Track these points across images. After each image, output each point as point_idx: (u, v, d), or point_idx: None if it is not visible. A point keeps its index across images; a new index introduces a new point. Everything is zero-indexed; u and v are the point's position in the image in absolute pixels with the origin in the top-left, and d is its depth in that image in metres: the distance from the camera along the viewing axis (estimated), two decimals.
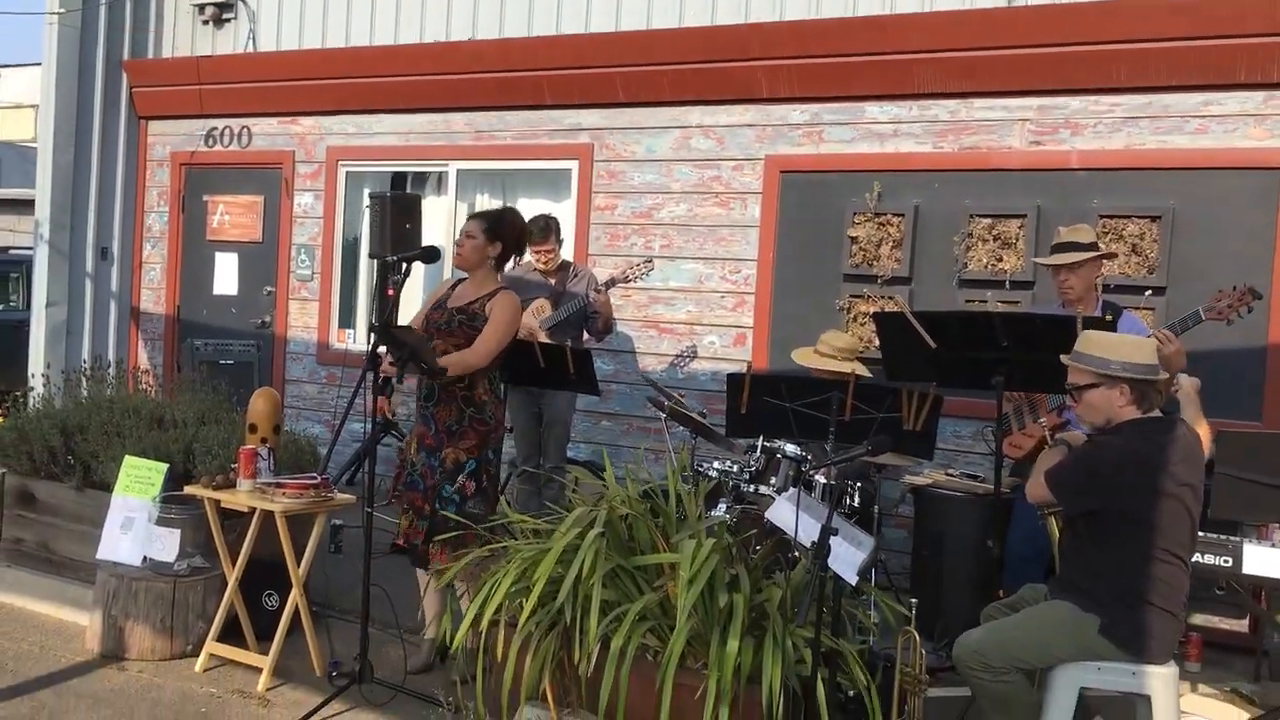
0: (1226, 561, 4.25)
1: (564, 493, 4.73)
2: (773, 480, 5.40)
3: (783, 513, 3.60)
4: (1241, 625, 5.48)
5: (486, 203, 8.11)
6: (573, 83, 7.56)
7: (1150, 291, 5.94)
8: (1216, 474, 4.18)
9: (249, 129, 9.13)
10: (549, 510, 4.44)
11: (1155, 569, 3.28)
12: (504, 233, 4.92)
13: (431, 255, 4.95)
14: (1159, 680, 3.25)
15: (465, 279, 5.00)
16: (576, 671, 3.89)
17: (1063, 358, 3.55)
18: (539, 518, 4.37)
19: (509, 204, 8.21)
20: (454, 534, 4.51)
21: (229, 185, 9.27)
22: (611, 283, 6.53)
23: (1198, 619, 5.54)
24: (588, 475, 5.49)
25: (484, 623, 3.90)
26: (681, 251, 7.37)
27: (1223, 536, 4.31)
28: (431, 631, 4.95)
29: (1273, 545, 4.31)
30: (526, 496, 6.49)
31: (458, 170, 8.23)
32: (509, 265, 5.24)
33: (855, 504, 5.55)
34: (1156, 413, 3.42)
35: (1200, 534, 4.22)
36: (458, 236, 5.00)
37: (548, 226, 6.58)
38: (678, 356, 7.38)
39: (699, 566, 3.66)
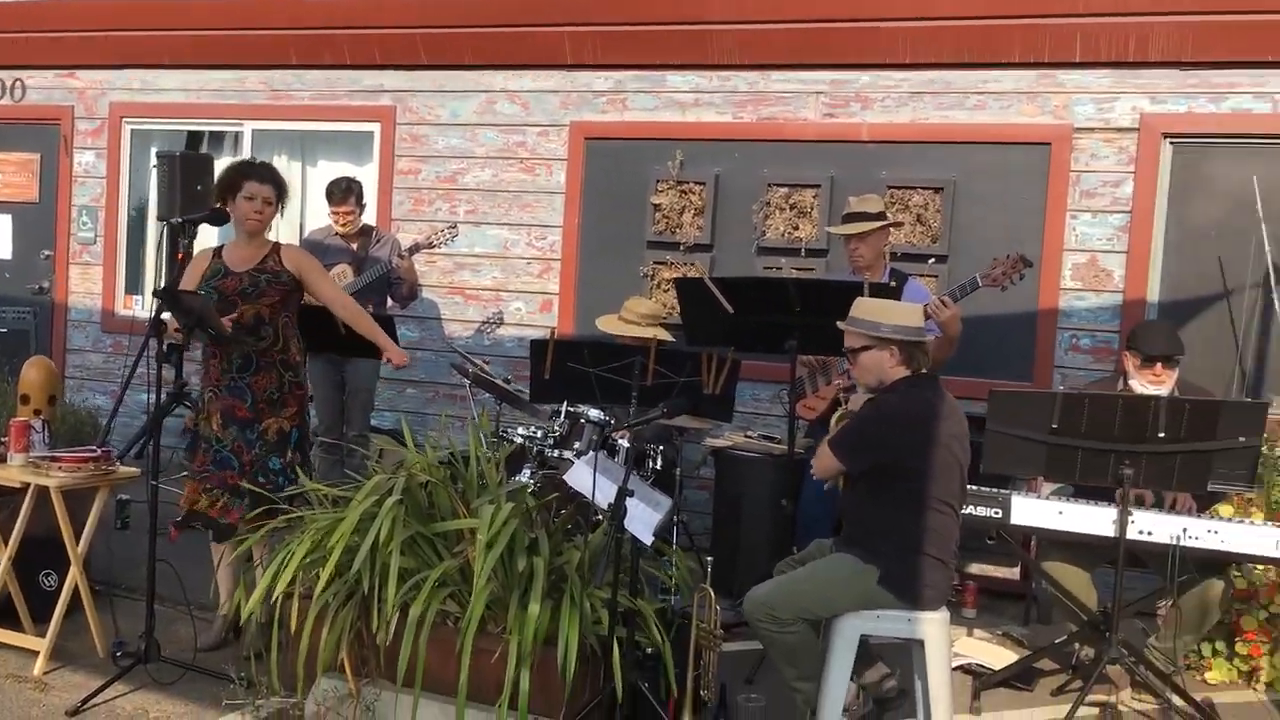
0: (997, 513, 4.53)
1: (367, 463, 4.65)
2: (576, 445, 5.44)
3: (580, 476, 3.64)
4: (1013, 573, 5.87)
5: (284, 165, 7.83)
6: (373, 43, 7.37)
7: (934, 259, 6.25)
8: (987, 430, 4.43)
9: (22, 81, 8.54)
10: (350, 480, 4.36)
11: (929, 519, 3.47)
12: (285, 192, 4.79)
13: (220, 218, 4.74)
14: (933, 626, 3.45)
15: (225, 245, 4.80)
16: (375, 641, 3.85)
17: (839, 323, 3.71)
18: (337, 486, 4.29)
19: (309, 166, 7.98)
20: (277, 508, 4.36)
21: (0, 142, 8.66)
22: (415, 248, 6.43)
23: (974, 568, 5.92)
24: (392, 444, 5.41)
25: (276, 595, 3.80)
26: (487, 217, 7.31)
27: (993, 490, 4.58)
28: (225, 607, 4.79)
29: (1039, 497, 4.61)
30: (329, 466, 6.34)
31: (253, 130, 7.92)
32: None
33: (657, 467, 5.66)
34: (923, 371, 3.62)
35: (972, 487, 4.50)
36: (250, 201, 4.72)
37: (349, 189, 6.42)
38: (484, 323, 7.33)
39: (497, 530, 3.67)
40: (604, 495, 3.53)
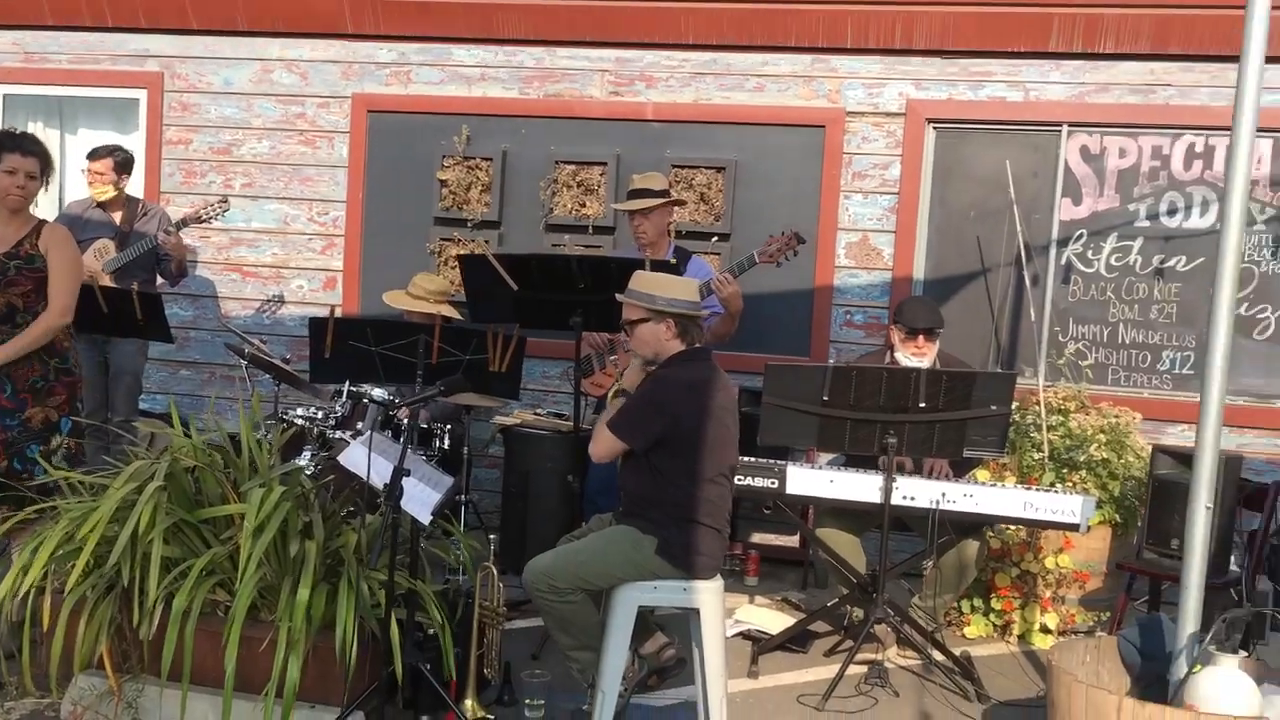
0: (773, 483, 4.69)
1: (130, 449, 4.41)
2: (360, 425, 5.32)
3: (355, 457, 3.56)
4: (793, 541, 6.10)
5: (40, 132, 7.30)
6: (137, 5, 6.95)
7: (717, 237, 6.39)
8: (764, 403, 4.59)
9: None
10: (111, 466, 4.13)
11: (705, 490, 3.56)
12: (51, 165, 4.47)
13: None
14: (707, 594, 3.54)
15: None
16: (138, 635, 3.67)
17: (618, 295, 3.75)
18: (95, 473, 4.05)
19: (68, 134, 7.49)
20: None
21: None
22: (184, 222, 6.13)
23: (756, 538, 6.12)
24: (162, 428, 5.16)
25: (24, 590, 3.57)
26: (265, 191, 7.04)
27: (770, 461, 4.74)
28: None
29: (816, 467, 4.80)
30: (93, 453, 5.98)
31: (4, 95, 7.36)
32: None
33: (445, 446, 5.60)
34: (697, 345, 3.70)
35: (750, 459, 4.65)
36: (11, 176, 4.34)
37: (110, 152, 6.14)
38: (265, 302, 7.07)
39: (266, 515, 3.55)
40: (380, 476, 3.47)
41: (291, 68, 6.95)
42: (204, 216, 6.14)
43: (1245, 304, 5.89)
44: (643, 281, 3.73)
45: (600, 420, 3.81)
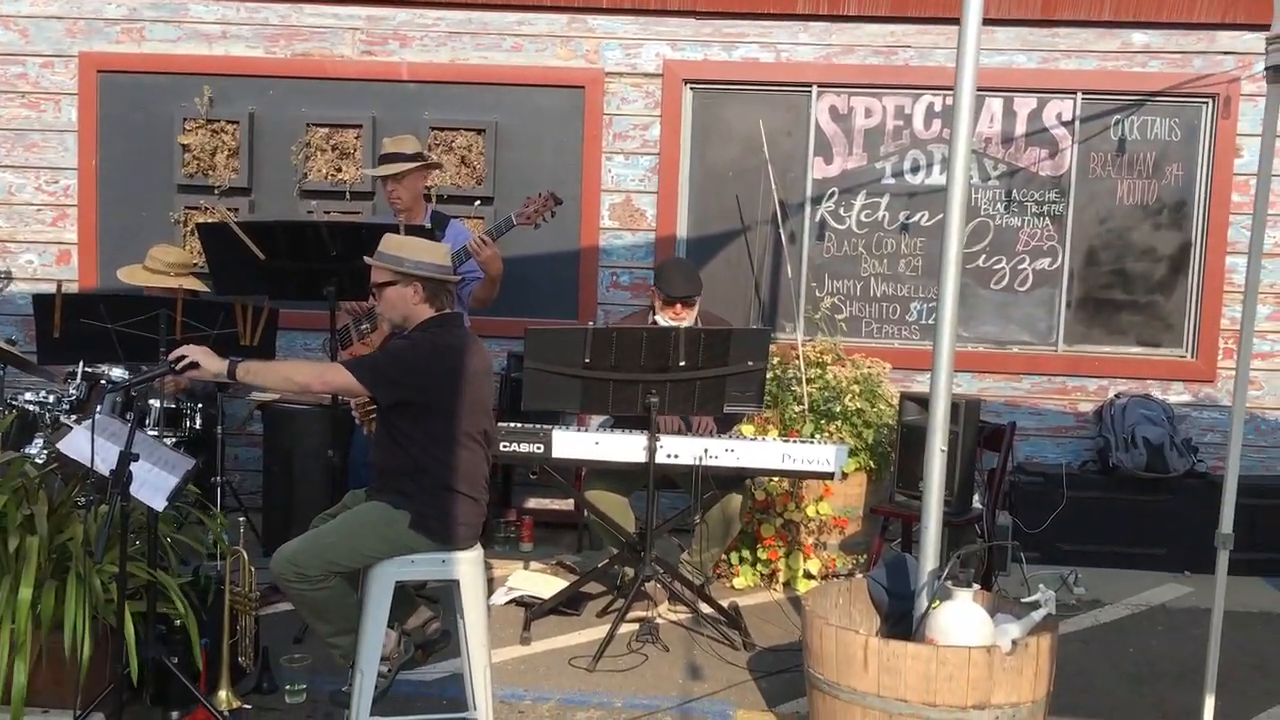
0: (539, 448, 4.65)
1: None
2: (99, 409, 4.97)
3: (77, 443, 3.30)
4: (568, 504, 6.11)
5: None
6: None
7: (479, 201, 6.28)
8: (525, 368, 4.54)
9: None
10: None
11: (458, 457, 3.48)
12: None
13: None
14: (465, 564, 3.47)
15: None
16: None
17: (366, 258, 3.62)
18: None
19: None
20: None
21: None
22: None
23: (531, 503, 6.11)
24: None
25: None
26: None
27: (535, 426, 4.70)
28: None
29: (587, 430, 4.78)
30: None
31: None
32: None
33: (196, 426, 5.32)
34: (447, 310, 3.61)
35: (514, 424, 4.61)
36: None
37: None
38: None
39: None
40: (106, 462, 3.23)
41: (9, 24, 6.38)
42: None
43: (982, 256, 6.24)
44: (391, 244, 3.60)
45: (271, 364, 3.66)
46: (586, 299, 6.35)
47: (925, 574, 3.57)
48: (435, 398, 3.45)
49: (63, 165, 6.46)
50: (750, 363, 4.63)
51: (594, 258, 6.34)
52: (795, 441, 4.82)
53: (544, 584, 5.16)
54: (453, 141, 6.32)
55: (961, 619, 3.39)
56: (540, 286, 6.24)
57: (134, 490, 3.21)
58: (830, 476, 4.74)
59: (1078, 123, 6.18)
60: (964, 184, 3.54)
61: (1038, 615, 3.44)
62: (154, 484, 3.29)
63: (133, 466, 3.18)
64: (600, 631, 4.63)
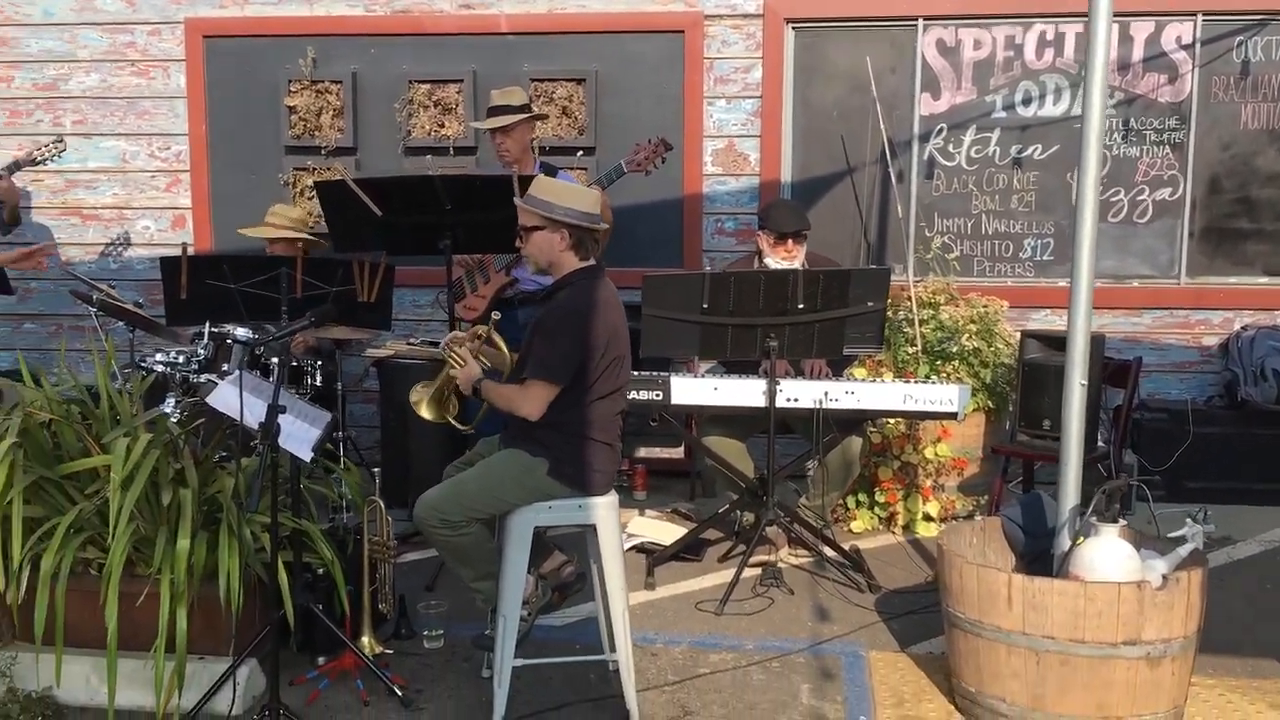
0: (658, 395, 4.67)
1: None
2: (225, 367, 5.09)
3: (226, 397, 3.38)
4: (678, 453, 6.12)
5: None
6: None
7: (582, 151, 6.26)
8: (644, 315, 4.53)
9: None
10: None
11: (599, 407, 3.49)
12: None
13: None
14: (602, 509, 3.50)
15: None
16: (4, 601, 3.46)
17: (516, 200, 3.60)
18: None
19: None
20: None
21: None
22: (15, 165, 5.73)
23: (641, 452, 6.13)
24: (10, 385, 4.85)
25: None
26: (99, 128, 6.62)
27: (654, 373, 4.71)
28: None
29: (697, 376, 4.79)
30: None
31: None
32: None
33: (317, 383, 5.42)
34: (592, 261, 3.59)
35: (634, 372, 4.61)
36: None
37: None
38: (108, 245, 6.70)
39: (135, 465, 3.36)
40: (254, 415, 3.30)
41: None
42: (38, 158, 5.75)
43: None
44: (542, 188, 3.57)
45: (499, 388, 3.61)
46: (692, 246, 6.31)
47: (1065, 511, 3.52)
48: (589, 349, 3.44)
49: (174, 131, 6.58)
50: (870, 303, 4.58)
51: (697, 204, 6.29)
52: (916, 383, 4.76)
53: (663, 530, 5.19)
54: (553, 92, 6.30)
55: (1108, 555, 3.33)
56: (643, 235, 6.22)
57: (281, 442, 3.28)
58: (953, 417, 4.68)
59: (1198, 45, 5.94)
60: (1100, 112, 3.46)
61: (1184, 550, 3.36)
62: (299, 436, 3.36)
63: (279, 419, 3.25)
64: (721, 577, 4.65)
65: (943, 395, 4.62)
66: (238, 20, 6.43)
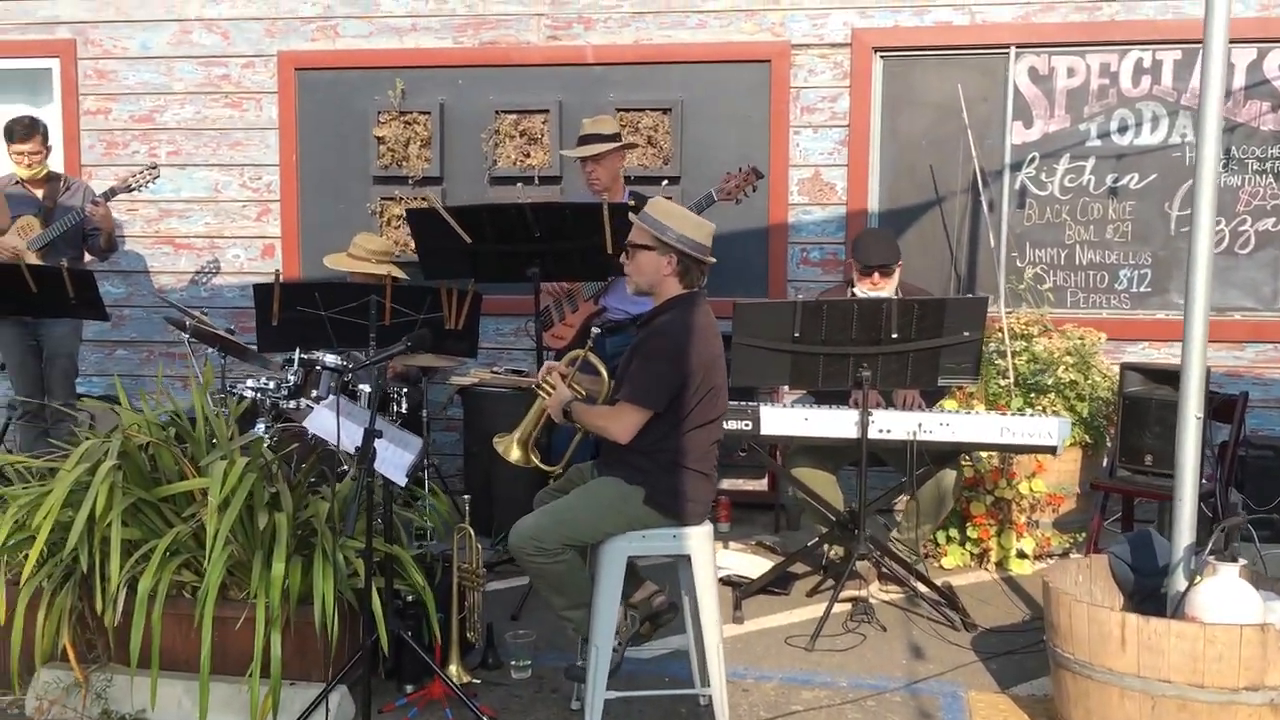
0: (748, 425, 4.60)
1: (76, 430, 4.19)
2: (314, 393, 5.13)
3: (323, 421, 3.39)
4: (762, 484, 6.04)
5: None
6: None
7: (667, 181, 6.24)
8: (735, 344, 4.47)
9: None
10: (55, 450, 3.92)
11: (696, 436, 3.43)
12: None
13: None
14: (696, 540, 3.44)
15: None
16: (102, 622, 3.49)
17: (631, 215, 3.57)
18: (40, 458, 3.84)
19: None
20: None
21: None
22: (112, 192, 5.86)
23: (725, 483, 6.04)
24: (108, 408, 4.94)
25: None
26: (192, 158, 6.75)
27: (743, 403, 4.65)
28: None
29: (783, 406, 4.72)
30: (33, 439, 5.75)
31: None
32: None
33: (403, 410, 5.43)
34: (695, 288, 3.54)
35: None
36: None
37: (32, 125, 5.83)
38: (199, 273, 6.81)
39: (231, 489, 3.37)
40: (349, 439, 3.30)
41: (212, 27, 6.65)
42: (133, 186, 5.87)
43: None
44: (659, 209, 3.53)
45: (590, 409, 3.58)
46: (776, 276, 6.25)
47: (1179, 550, 3.38)
48: (687, 377, 3.39)
49: (265, 162, 6.69)
50: (966, 333, 4.47)
51: (783, 234, 6.23)
52: (1012, 415, 4.64)
53: (750, 563, 5.10)
54: (639, 122, 6.29)
55: (1227, 596, 3.18)
56: (727, 264, 6.08)
57: (376, 466, 3.27)
58: (1052, 451, 4.53)
59: None
60: (1215, 143, 3.36)
61: None
62: (394, 461, 3.35)
63: (375, 443, 3.24)
64: (811, 611, 4.55)
65: (1041, 429, 4.49)
66: (329, 53, 6.54)
